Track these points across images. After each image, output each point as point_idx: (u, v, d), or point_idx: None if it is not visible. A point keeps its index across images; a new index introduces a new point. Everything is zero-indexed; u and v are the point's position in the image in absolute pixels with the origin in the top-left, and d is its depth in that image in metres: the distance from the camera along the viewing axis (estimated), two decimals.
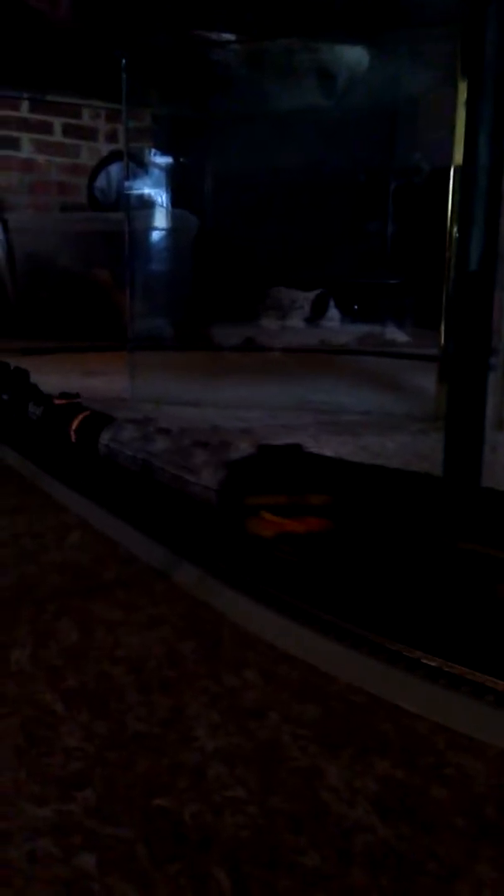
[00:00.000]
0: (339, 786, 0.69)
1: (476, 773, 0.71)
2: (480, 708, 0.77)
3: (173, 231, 4.38)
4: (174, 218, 4.39)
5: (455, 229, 2.27)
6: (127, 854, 0.60)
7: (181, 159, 4.48)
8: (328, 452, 1.93)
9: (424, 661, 0.83)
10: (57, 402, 1.43)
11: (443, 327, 2.46)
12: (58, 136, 5.36)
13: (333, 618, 0.92)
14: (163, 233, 4.32)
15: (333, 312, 5.35)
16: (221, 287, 4.62)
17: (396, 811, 0.66)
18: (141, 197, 4.13)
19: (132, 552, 1.21)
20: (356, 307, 5.34)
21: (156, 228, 4.25)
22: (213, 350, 4.07)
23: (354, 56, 3.62)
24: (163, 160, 4.46)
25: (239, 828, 0.63)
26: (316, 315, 5.32)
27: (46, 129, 5.30)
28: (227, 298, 4.66)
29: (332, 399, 2.73)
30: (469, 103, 1.58)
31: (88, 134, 5.45)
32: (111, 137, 5.48)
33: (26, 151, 5.28)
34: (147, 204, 4.19)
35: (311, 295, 5.31)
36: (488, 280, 1.34)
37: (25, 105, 5.19)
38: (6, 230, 4.67)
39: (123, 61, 2.45)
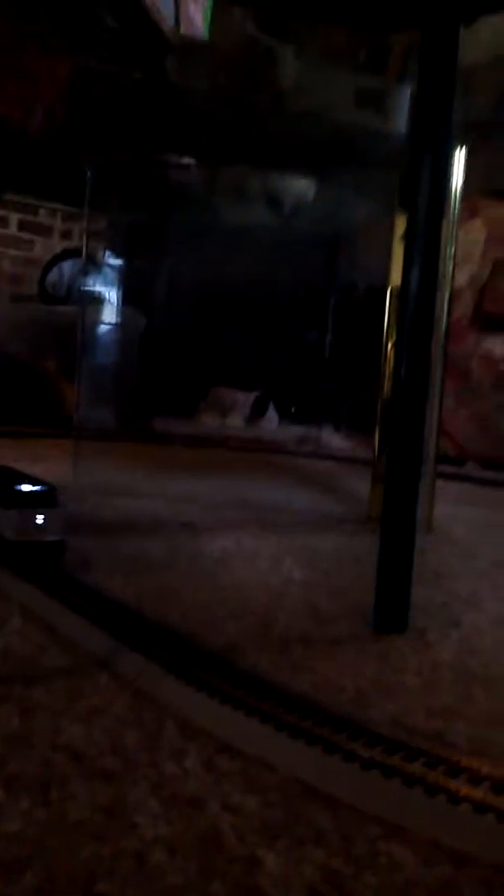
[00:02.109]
0: (277, 874, 0.71)
1: (405, 862, 0.74)
2: (411, 797, 0.81)
3: (121, 327, 4.51)
4: (122, 315, 4.53)
5: (390, 344, 2.45)
6: None
7: (134, 262, 4.68)
8: (266, 549, 1.99)
9: (360, 752, 0.87)
10: None
11: (377, 434, 2.60)
12: (13, 230, 5.52)
13: (274, 708, 0.96)
14: (111, 328, 4.44)
15: (272, 414, 5.52)
16: (165, 383, 4.75)
17: None
18: (92, 293, 4.27)
19: (74, 640, 1.22)
20: (294, 409, 5.53)
21: (105, 323, 4.38)
22: (156, 442, 4.13)
23: (301, 186, 3.94)
24: (116, 261, 4.65)
25: None
26: (255, 415, 5.49)
27: (3, 223, 5.46)
28: (171, 394, 4.78)
29: (270, 497, 2.81)
30: (407, 236, 1.76)
31: (44, 231, 5.64)
32: (65, 235, 5.68)
33: None
34: (98, 300, 4.33)
35: (252, 396, 5.49)
36: (420, 395, 1.46)
37: None
38: None
39: (89, 174, 2.61)
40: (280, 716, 0.96)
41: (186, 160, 3.57)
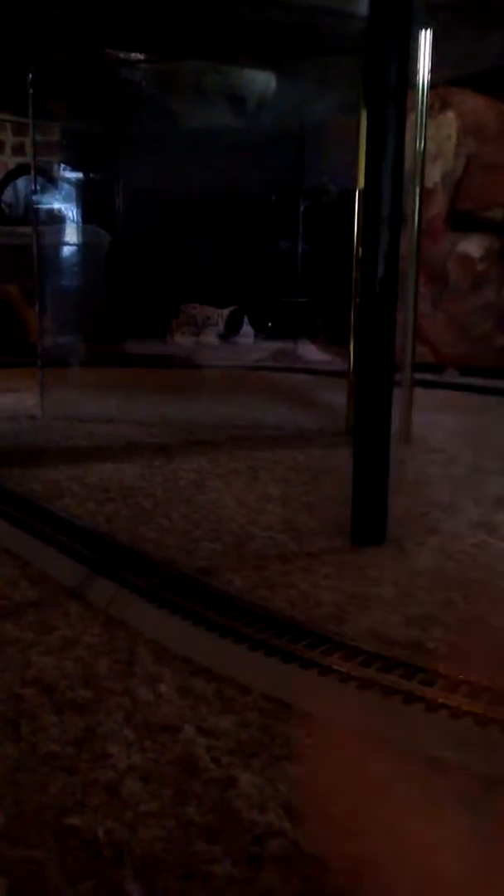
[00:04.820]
0: (252, 793, 0.70)
1: (383, 772, 0.73)
2: (388, 707, 0.80)
3: (84, 246, 4.33)
4: (85, 233, 4.35)
5: (360, 251, 2.35)
6: (39, 875, 0.59)
7: (92, 175, 4.45)
8: (242, 467, 1.95)
9: (336, 666, 0.86)
10: None
11: (351, 345, 2.54)
12: None
13: (249, 627, 0.94)
14: (74, 248, 4.27)
15: (247, 329, 5.41)
16: (134, 303, 4.61)
17: (307, 813, 0.68)
18: (51, 212, 4.07)
19: (44, 571, 1.19)
20: (270, 324, 5.42)
21: (66, 243, 4.20)
22: (128, 365, 4.04)
23: (263, 80, 3.70)
24: (73, 175, 4.42)
25: (153, 841, 0.64)
26: (230, 331, 5.37)
27: None
28: (141, 314, 4.65)
29: (246, 415, 2.76)
30: (370, 133, 1.65)
31: None
32: (18, 151, 5.38)
33: None
34: (57, 219, 4.14)
35: (225, 311, 5.36)
36: (390, 301, 1.40)
37: None
38: None
39: (30, 75, 2.43)
40: (255, 635, 0.94)
41: (136, 55, 3.33)
